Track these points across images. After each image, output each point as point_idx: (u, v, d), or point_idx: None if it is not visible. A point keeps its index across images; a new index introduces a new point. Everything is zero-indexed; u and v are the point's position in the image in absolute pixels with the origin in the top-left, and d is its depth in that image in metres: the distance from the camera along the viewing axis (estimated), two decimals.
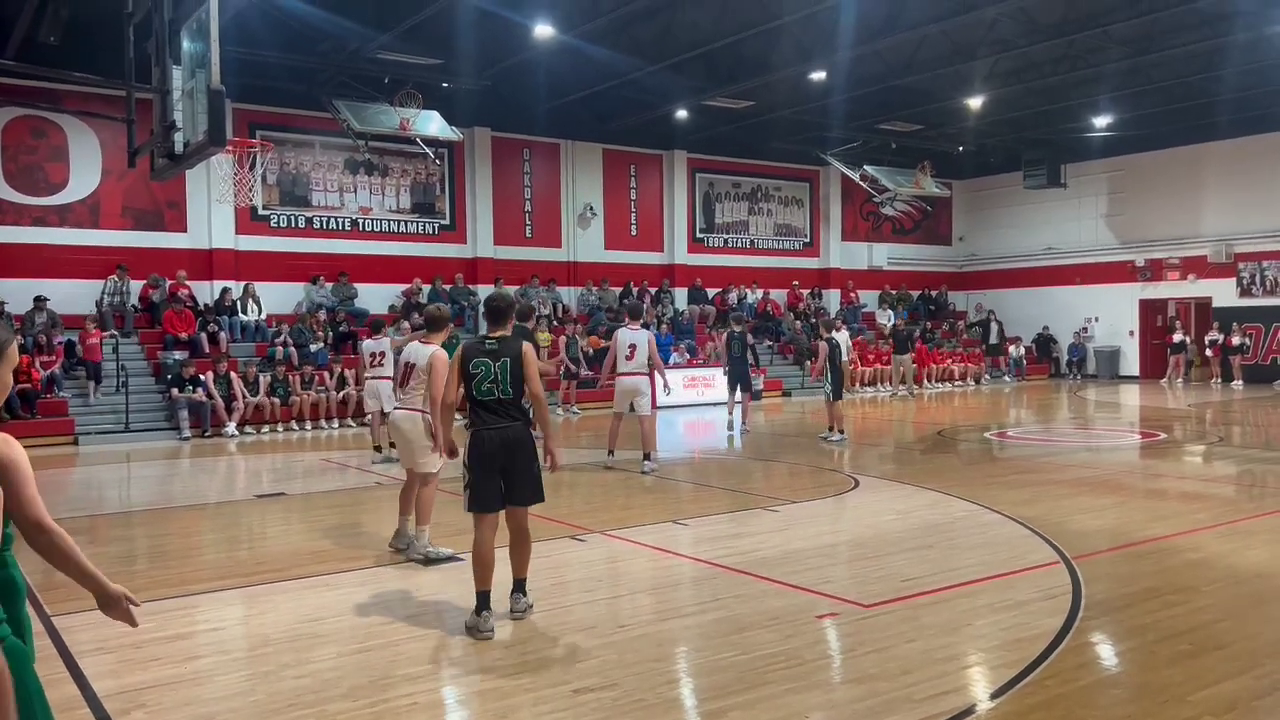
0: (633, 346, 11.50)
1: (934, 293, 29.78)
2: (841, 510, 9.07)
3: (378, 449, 12.76)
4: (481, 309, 6.75)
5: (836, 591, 6.01)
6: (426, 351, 7.00)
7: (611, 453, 11.78)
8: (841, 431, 13.87)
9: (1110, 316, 27.74)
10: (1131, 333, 27.44)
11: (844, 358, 14.64)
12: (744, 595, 5.99)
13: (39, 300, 16.85)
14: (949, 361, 25.82)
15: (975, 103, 21.83)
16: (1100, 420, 17.88)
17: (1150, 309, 27.28)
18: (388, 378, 11.63)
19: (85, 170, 18.23)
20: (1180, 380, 25.12)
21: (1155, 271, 26.70)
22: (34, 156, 17.84)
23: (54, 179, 18.01)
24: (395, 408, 7.44)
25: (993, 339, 28.00)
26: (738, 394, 15.45)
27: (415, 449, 7.08)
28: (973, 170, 30.06)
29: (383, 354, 12.20)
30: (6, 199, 17.58)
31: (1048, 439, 14.18)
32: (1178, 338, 25.53)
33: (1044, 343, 28.74)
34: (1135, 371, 27.15)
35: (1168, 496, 9.47)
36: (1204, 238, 25.50)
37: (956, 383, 25.45)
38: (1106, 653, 5.08)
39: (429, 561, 6.89)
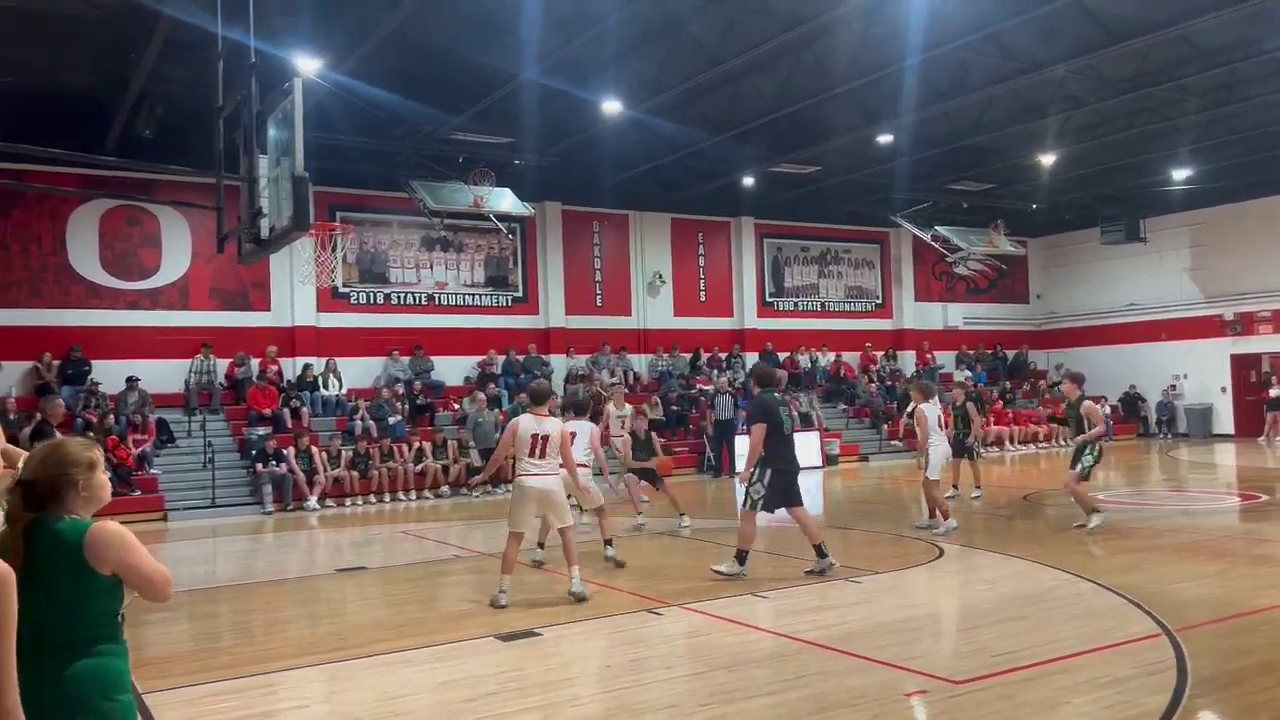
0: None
1: (1009, 353, 29.14)
2: (927, 581, 8.82)
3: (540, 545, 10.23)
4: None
5: (925, 667, 5.80)
6: (555, 425, 8.13)
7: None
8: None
9: (1200, 373, 26.75)
10: (1224, 389, 26.41)
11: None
12: (827, 672, 5.83)
13: (131, 380, 17.51)
14: (1029, 424, 25.08)
15: (1048, 160, 21.53)
16: (1195, 481, 17.15)
17: (1243, 364, 26.25)
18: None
19: (176, 255, 19.05)
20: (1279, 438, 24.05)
21: (1246, 325, 25.77)
22: (129, 244, 18.71)
23: (147, 264, 18.85)
24: (541, 474, 7.95)
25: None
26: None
27: (563, 507, 8.11)
28: (1047, 227, 29.56)
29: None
30: (104, 284, 18.42)
31: (1141, 502, 13.64)
32: (1275, 392, 24.48)
33: (1131, 401, 27.80)
34: (1229, 429, 26.06)
35: (1275, 563, 8.98)
36: None
37: (1041, 445, 24.71)
38: None
39: (580, 600, 7.86)
